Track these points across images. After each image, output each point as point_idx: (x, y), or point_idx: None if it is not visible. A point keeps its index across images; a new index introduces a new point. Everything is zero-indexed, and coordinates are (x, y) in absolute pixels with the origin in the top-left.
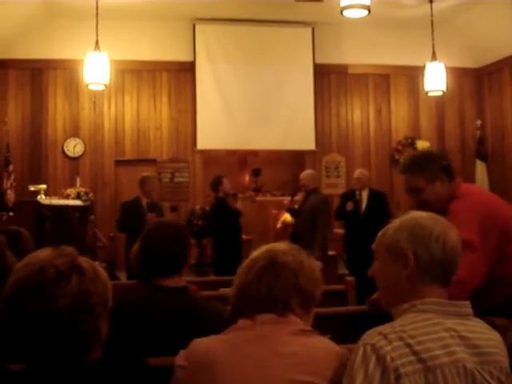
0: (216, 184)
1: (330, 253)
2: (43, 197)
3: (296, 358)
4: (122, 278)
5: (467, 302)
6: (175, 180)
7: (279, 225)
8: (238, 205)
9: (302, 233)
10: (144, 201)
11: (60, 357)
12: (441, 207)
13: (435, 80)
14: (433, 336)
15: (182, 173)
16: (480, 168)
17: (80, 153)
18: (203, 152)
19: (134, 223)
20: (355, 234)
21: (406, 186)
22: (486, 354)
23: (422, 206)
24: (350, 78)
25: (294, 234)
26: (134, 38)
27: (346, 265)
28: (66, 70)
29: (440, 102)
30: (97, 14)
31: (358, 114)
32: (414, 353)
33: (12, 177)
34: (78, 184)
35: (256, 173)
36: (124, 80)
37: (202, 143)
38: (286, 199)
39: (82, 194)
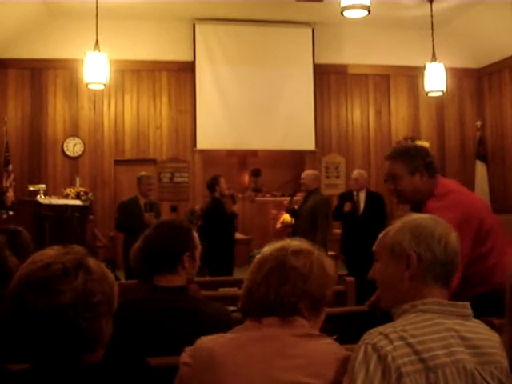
0: (213, 184)
1: (330, 253)
2: (43, 196)
3: (301, 360)
4: (121, 277)
5: (467, 303)
6: (175, 180)
7: (279, 225)
8: (236, 207)
9: (302, 233)
10: (142, 200)
11: (61, 355)
12: (417, 201)
13: (435, 80)
14: (434, 336)
15: (181, 173)
16: (480, 169)
17: (79, 152)
18: (203, 152)
19: (131, 223)
20: (353, 235)
21: (387, 171)
22: (486, 355)
23: (397, 195)
24: (350, 78)
25: (293, 234)
26: (133, 37)
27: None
28: (66, 69)
29: (440, 103)
30: (97, 14)
31: (357, 115)
32: (416, 352)
33: (11, 176)
34: (77, 184)
35: (256, 173)
36: (124, 80)
37: (202, 143)
38: (287, 200)
39: (82, 193)
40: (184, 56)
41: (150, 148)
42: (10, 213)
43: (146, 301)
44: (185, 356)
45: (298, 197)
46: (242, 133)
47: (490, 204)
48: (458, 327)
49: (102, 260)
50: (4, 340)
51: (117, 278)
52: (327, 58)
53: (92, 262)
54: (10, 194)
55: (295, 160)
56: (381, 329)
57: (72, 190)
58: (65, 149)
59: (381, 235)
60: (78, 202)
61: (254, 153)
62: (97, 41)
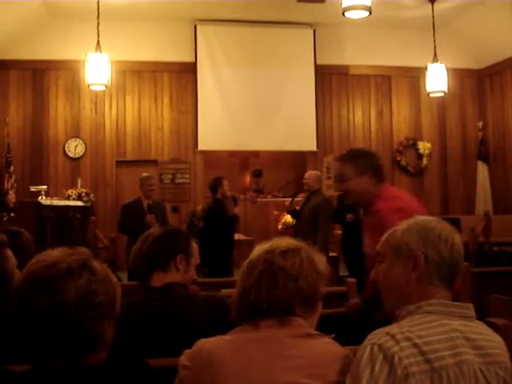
0: (216, 185)
1: (331, 254)
2: (44, 197)
3: (300, 360)
4: (124, 278)
5: (470, 305)
6: (176, 181)
7: (280, 226)
8: (237, 208)
9: (304, 234)
10: (145, 202)
11: (63, 354)
12: (363, 201)
13: (437, 81)
14: (440, 337)
15: (183, 174)
16: (481, 169)
17: (81, 153)
18: (204, 153)
19: (134, 225)
20: (354, 236)
21: (337, 173)
22: (490, 355)
23: (345, 194)
24: (351, 79)
25: (295, 235)
26: (135, 38)
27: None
28: (68, 70)
29: (441, 104)
30: (98, 15)
31: (359, 115)
32: (422, 353)
33: (13, 177)
34: (78, 185)
35: (257, 174)
36: (125, 81)
37: (204, 144)
38: (288, 201)
39: (83, 194)
40: (185, 57)
41: (151, 149)
42: (12, 214)
43: (137, 302)
44: (184, 359)
45: (300, 198)
46: (244, 134)
47: (492, 204)
48: (462, 328)
49: (103, 261)
50: (5, 341)
51: (119, 280)
52: (329, 58)
53: (96, 263)
54: (12, 196)
55: (297, 161)
56: (387, 329)
57: (73, 191)
58: (66, 150)
59: (385, 236)
60: (79, 203)
61: (255, 154)
62: (98, 42)
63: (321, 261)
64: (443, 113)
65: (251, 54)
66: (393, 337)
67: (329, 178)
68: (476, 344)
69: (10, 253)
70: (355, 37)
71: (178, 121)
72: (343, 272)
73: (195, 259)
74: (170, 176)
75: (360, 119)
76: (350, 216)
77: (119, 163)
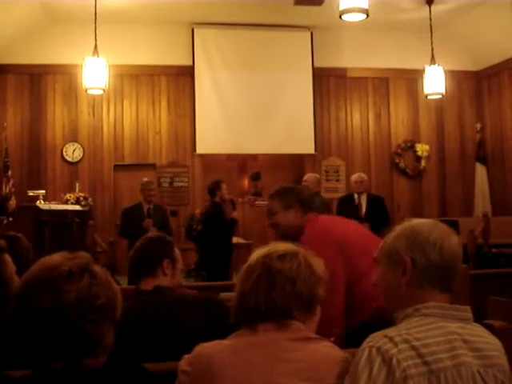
0: (214, 188)
1: None
2: (42, 202)
3: (299, 364)
4: (123, 282)
5: (468, 307)
6: (174, 184)
7: None
8: (236, 211)
9: None
10: (146, 206)
11: (63, 357)
12: (292, 234)
13: (434, 83)
14: (437, 339)
15: (181, 177)
16: (480, 171)
17: (79, 157)
18: (202, 156)
19: (133, 229)
20: None
21: (267, 207)
22: (488, 357)
23: (274, 228)
24: (349, 81)
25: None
26: (132, 42)
27: None
28: (65, 74)
29: (439, 106)
30: (95, 19)
31: (357, 118)
32: (420, 355)
33: (11, 182)
34: (77, 189)
35: (255, 177)
36: (123, 84)
37: (202, 147)
38: None
39: (82, 198)
40: (183, 60)
41: (149, 153)
42: (10, 219)
43: (132, 306)
44: (183, 363)
45: None
46: (242, 137)
47: (490, 206)
48: (460, 330)
49: (102, 265)
50: (4, 347)
51: (117, 284)
52: (326, 61)
53: (97, 268)
54: (13, 202)
55: (295, 164)
56: (385, 332)
57: (72, 196)
58: (64, 154)
59: (381, 242)
60: (77, 208)
61: (253, 157)
62: (95, 46)
63: (318, 264)
64: (441, 115)
65: (249, 57)
66: (391, 339)
67: (327, 180)
68: (474, 346)
69: (8, 258)
70: (353, 39)
71: (175, 124)
72: None
73: (180, 264)
74: (168, 180)
75: (358, 122)
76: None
77: (117, 167)
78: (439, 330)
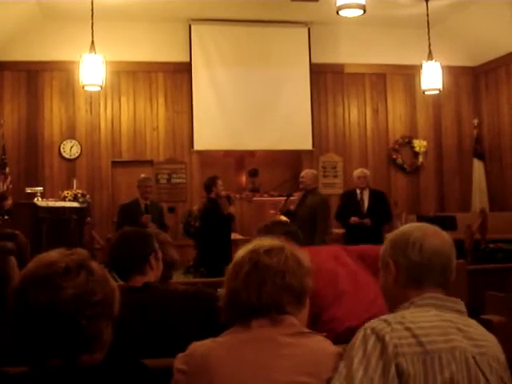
0: (209, 185)
1: None
2: (40, 199)
3: (294, 359)
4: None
5: (459, 300)
6: (172, 181)
7: None
8: (233, 207)
9: None
10: (143, 203)
11: (60, 353)
12: None
13: (432, 79)
14: (432, 323)
15: (178, 174)
16: (477, 166)
17: (76, 154)
18: (200, 153)
19: (131, 225)
20: (358, 234)
21: None
22: (483, 347)
23: None
24: (346, 77)
25: None
26: (129, 39)
27: None
28: (62, 71)
29: (437, 101)
30: (92, 16)
31: (354, 114)
32: (414, 336)
33: (9, 179)
34: (74, 186)
35: (253, 173)
36: (120, 81)
37: (199, 144)
38: (283, 199)
39: (79, 195)
40: (180, 57)
41: (146, 149)
42: (6, 217)
43: (127, 302)
44: (178, 362)
45: (295, 196)
46: (239, 133)
47: (488, 201)
48: (455, 320)
49: (100, 262)
50: (2, 344)
51: (115, 280)
52: (323, 57)
53: (95, 264)
54: (9, 201)
55: (293, 160)
56: (382, 317)
57: (69, 192)
58: (62, 151)
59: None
60: (75, 204)
61: (251, 153)
62: (92, 42)
63: (304, 257)
64: (438, 110)
65: (246, 54)
66: (385, 321)
67: (325, 176)
68: (469, 335)
69: (14, 261)
70: (350, 35)
71: (173, 121)
72: None
73: (159, 252)
74: (165, 176)
75: (355, 117)
76: (354, 219)
77: (115, 164)
78: (435, 317)
